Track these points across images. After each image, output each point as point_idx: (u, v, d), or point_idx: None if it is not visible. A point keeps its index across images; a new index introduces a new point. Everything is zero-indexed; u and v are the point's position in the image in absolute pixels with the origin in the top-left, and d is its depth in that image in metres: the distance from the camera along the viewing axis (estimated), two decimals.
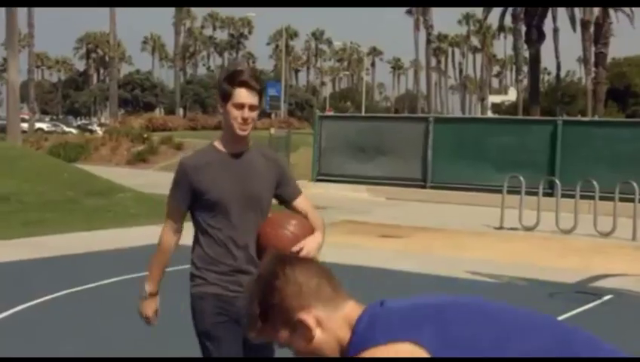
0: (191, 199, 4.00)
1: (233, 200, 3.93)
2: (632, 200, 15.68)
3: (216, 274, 3.96)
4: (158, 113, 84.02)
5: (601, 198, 16.10)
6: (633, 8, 54.49)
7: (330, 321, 2.08)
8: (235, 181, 3.95)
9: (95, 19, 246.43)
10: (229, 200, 3.93)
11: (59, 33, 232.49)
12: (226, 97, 3.92)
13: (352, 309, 2.10)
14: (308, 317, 2.06)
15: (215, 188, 3.93)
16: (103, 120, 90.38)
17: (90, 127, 68.27)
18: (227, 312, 3.88)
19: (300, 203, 4.12)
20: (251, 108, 3.91)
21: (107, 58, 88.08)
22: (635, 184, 15.83)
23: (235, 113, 3.90)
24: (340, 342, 2.08)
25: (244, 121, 3.90)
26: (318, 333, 2.07)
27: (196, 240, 4.08)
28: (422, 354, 1.92)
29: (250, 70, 4.10)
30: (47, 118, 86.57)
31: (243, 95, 3.89)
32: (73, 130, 61.89)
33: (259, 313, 2.10)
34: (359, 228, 15.44)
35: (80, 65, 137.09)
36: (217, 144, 4.05)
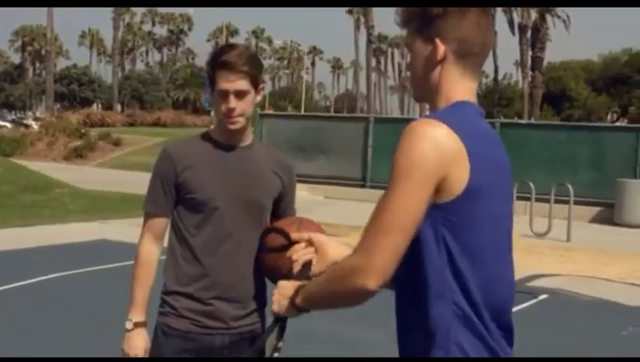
0: (175, 198, 3.18)
1: (224, 202, 3.13)
2: (566, 202, 15.99)
3: (189, 300, 3.14)
4: (96, 108, 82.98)
5: (537, 200, 16.42)
6: (569, 14, 55.52)
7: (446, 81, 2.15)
8: (230, 179, 3.16)
9: (32, 12, 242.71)
10: (219, 203, 3.12)
11: None
12: (211, 83, 3.14)
13: (455, 94, 2.14)
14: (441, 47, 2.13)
15: (203, 185, 3.13)
16: (38, 114, 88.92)
17: (25, 122, 67.06)
18: (191, 351, 3.15)
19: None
20: (238, 95, 3.09)
21: (44, 52, 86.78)
22: (569, 186, 16.14)
23: (220, 104, 3.12)
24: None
25: (230, 112, 3.09)
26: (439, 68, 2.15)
27: (171, 251, 3.23)
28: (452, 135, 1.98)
29: (240, 49, 3.15)
30: None
31: (224, 80, 3.07)
32: (8, 125, 60.75)
33: None
34: None
35: (15, 58, 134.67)
36: (210, 132, 3.26)
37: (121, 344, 3.24)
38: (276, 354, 2.70)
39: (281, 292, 2.33)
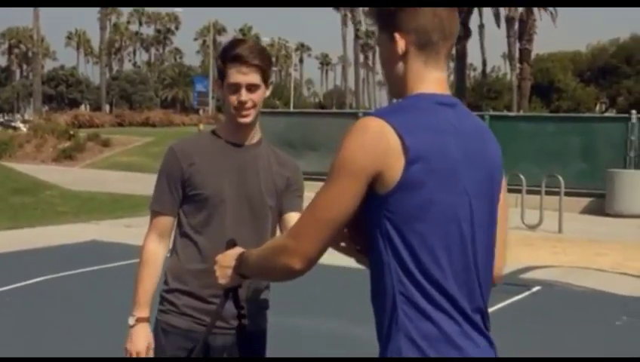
0: (182, 196, 3.17)
1: (230, 200, 3.12)
2: (557, 193, 16.01)
3: (190, 298, 3.14)
4: (84, 109, 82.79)
5: (528, 192, 16.43)
6: (556, 7, 55.60)
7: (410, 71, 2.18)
8: (235, 176, 3.15)
9: (17, 13, 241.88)
10: (224, 200, 3.11)
11: None
12: (221, 77, 3.11)
13: (419, 86, 2.17)
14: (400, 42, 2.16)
15: (209, 181, 3.11)
16: (26, 116, 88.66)
17: (13, 124, 66.83)
18: (193, 347, 3.07)
19: (293, 218, 3.12)
20: (250, 88, 3.08)
21: (30, 53, 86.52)
22: (560, 177, 16.16)
23: (231, 97, 3.09)
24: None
25: (241, 105, 3.08)
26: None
27: (174, 248, 3.24)
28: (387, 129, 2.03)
29: (250, 43, 3.14)
30: None
31: (236, 73, 3.05)
32: None
33: None
34: None
35: (2, 61, 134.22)
36: (217, 130, 3.26)
37: (125, 343, 3.21)
38: (244, 322, 2.97)
39: (222, 265, 2.45)
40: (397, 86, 2.21)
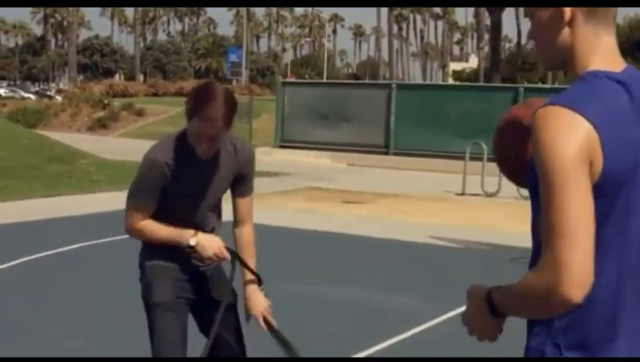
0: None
1: (191, 201, 3.68)
2: None
3: (174, 252, 3.68)
4: (118, 79, 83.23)
5: None
6: None
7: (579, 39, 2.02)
8: (199, 184, 3.65)
9: None
10: (187, 202, 3.67)
11: None
12: (190, 113, 3.51)
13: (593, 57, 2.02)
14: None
15: (180, 188, 3.60)
16: (61, 86, 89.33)
17: (48, 93, 67.44)
18: (186, 280, 3.73)
19: (244, 202, 3.81)
20: (212, 137, 3.50)
21: (65, 23, 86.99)
22: None
23: (195, 134, 3.52)
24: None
25: (202, 150, 3.55)
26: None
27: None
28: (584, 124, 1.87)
29: (217, 101, 3.43)
30: (5, 84, 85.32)
31: (202, 126, 3.44)
32: (31, 96, 61.10)
33: None
34: (323, 195, 15.50)
35: (38, 30, 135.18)
36: (189, 138, 3.57)
37: (203, 256, 3.63)
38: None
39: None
40: (561, 58, 2.05)
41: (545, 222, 1.86)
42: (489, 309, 2.04)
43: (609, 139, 1.87)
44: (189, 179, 3.58)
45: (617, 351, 1.95)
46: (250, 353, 3.92)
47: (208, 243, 3.60)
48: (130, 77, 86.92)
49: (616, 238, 1.93)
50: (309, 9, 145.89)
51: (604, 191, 1.88)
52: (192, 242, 3.58)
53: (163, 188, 3.57)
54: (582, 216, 1.82)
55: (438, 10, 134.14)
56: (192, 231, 3.60)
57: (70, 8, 66.97)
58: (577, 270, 1.80)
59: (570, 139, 1.84)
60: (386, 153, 23.08)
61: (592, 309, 1.92)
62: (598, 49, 2.01)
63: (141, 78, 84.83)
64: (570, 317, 1.93)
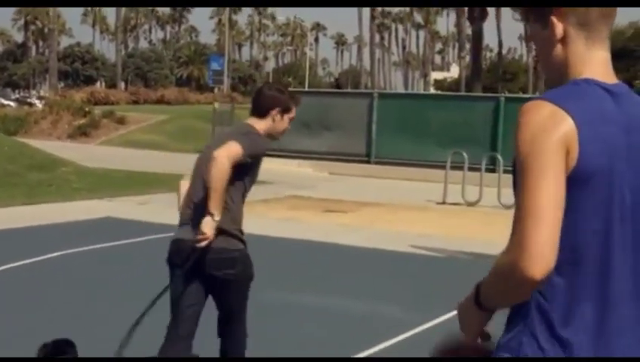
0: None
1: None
2: None
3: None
4: (99, 87, 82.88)
5: None
6: None
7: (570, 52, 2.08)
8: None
9: None
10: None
11: None
12: (285, 110, 4.62)
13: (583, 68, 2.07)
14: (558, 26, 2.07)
15: (254, 179, 4.69)
16: (42, 93, 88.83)
17: (29, 100, 67.03)
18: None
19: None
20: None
21: (46, 30, 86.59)
22: None
23: (285, 125, 4.71)
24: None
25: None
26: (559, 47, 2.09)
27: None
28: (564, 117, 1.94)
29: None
30: None
31: (294, 113, 4.73)
32: (12, 103, 60.73)
33: None
34: (304, 204, 15.49)
35: (18, 37, 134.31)
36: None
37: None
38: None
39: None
40: (558, 72, 2.11)
41: (516, 203, 1.93)
42: (474, 298, 2.10)
43: (586, 135, 1.94)
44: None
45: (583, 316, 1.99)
46: (250, 353, 3.88)
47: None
48: (112, 84, 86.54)
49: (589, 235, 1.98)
50: (291, 17, 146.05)
51: (577, 184, 1.94)
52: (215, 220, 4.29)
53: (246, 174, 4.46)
54: (552, 200, 1.89)
55: (419, 19, 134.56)
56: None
57: (51, 15, 66.74)
58: (539, 247, 1.86)
59: (550, 127, 1.92)
60: (368, 162, 23.11)
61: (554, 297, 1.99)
62: (592, 61, 2.07)
63: (122, 85, 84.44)
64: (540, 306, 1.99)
